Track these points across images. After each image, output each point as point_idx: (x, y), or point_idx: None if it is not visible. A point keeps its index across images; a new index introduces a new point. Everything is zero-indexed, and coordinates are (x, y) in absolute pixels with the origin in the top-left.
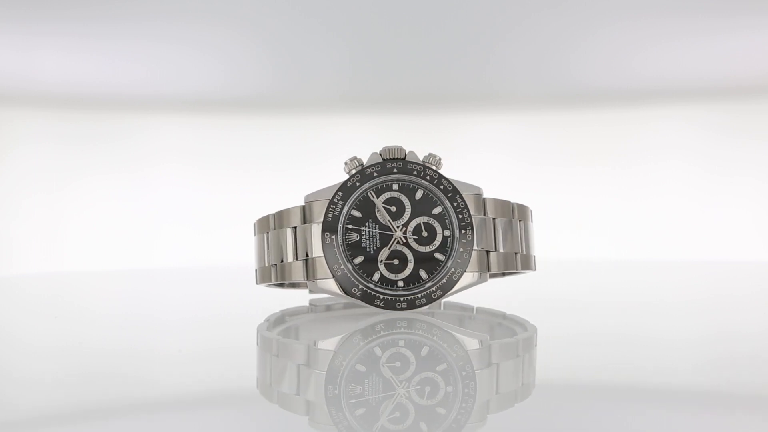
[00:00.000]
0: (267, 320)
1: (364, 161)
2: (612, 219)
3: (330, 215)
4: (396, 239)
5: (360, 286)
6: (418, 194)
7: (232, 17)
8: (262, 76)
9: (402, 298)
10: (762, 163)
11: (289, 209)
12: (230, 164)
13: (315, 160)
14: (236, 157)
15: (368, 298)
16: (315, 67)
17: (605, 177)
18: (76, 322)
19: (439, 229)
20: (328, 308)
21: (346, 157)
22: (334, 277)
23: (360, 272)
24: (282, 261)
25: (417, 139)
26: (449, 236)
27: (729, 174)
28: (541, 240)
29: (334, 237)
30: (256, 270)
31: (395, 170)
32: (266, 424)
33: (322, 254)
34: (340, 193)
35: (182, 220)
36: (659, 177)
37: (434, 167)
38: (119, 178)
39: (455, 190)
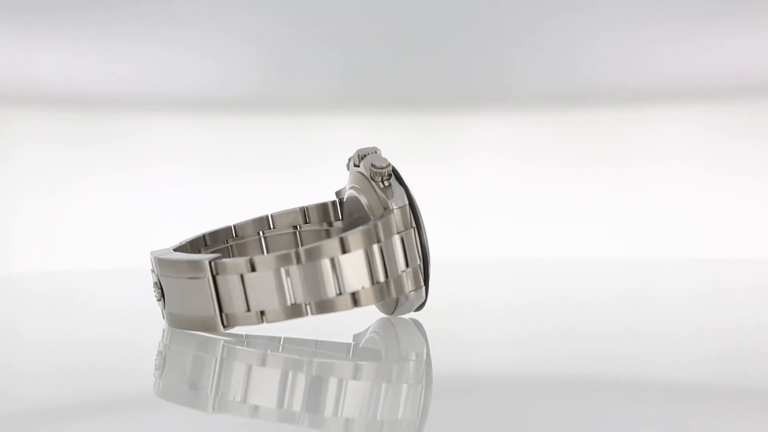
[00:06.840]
0: None
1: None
2: (612, 218)
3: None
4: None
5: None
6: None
7: (231, 19)
8: (262, 77)
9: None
10: (762, 163)
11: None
12: (230, 164)
13: (315, 160)
14: (236, 157)
15: (422, 305)
16: (314, 68)
17: (605, 177)
18: (75, 321)
19: None
20: None
21: (348, 158)
22: (426, 283)
23: None
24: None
25: (417, 139)
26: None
27: (729, 174)
28: (541, 239)
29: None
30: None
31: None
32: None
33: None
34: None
35: (181, 219)
36: (660, 177)
37: None
38: (119, 178)
39: None
